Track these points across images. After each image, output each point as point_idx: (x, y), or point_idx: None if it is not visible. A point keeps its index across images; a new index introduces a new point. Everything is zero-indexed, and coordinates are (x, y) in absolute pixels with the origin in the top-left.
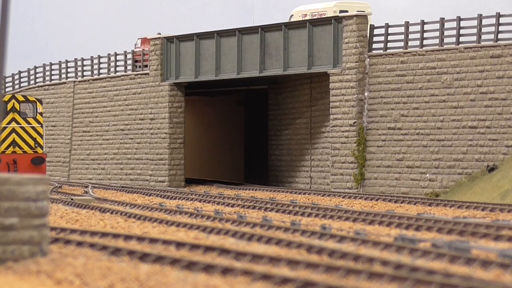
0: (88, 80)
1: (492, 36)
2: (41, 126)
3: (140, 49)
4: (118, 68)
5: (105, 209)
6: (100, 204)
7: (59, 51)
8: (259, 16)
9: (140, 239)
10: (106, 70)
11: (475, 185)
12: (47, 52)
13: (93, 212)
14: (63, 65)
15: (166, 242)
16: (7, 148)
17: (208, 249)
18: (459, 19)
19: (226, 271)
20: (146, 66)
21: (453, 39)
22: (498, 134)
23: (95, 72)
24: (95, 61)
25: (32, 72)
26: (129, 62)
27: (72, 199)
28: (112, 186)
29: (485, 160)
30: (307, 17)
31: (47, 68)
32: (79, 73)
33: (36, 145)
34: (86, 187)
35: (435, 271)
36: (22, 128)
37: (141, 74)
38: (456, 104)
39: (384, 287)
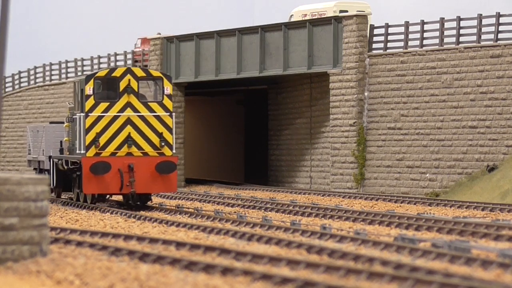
0: None
1: (492, 36)
2: (170, 115)
3: (140, 49)
4: None
5: (105, 209)
6: (100, 204)
7: (59, 51)
8: (259, 16)
9: (140, 239)
10: None
11: (475, 185)
12: (47, 52)
13: (93, 212)
14: (63, 65)
15: (166, 242)
16: (119, 147)
17: (208, 249)
18: (459, 19)
19: (226, 271)
20: (146, 66)
21: (453, 39)
22: (498, 134)
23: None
24: (95, 61)
25: (32, 72)
26: (129, 62)
27: (72, 199)
28: None
29: (485, 160)
30: (307, 17)
31: (47, 68)
32: (79, 73)
33: (163, 144)
34: None
35: (435, 271)
36: (142, 118)
37: None
38: (456, 104)
39: (384, 287)
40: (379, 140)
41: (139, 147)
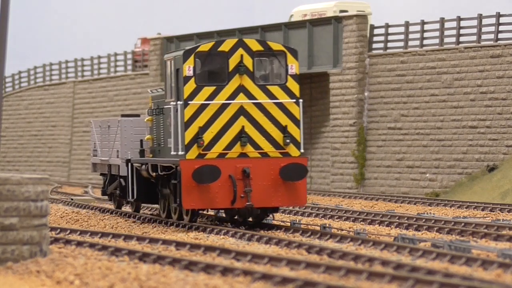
0: (88, 80)
1: (492, 36)
2: (297, 103)
3: (140, 49)
4: (118, 68)
5: (105, 209)
6: (100, 204)
7: (59, 51)
8: (259, 16)
9: (140, 239)
10: (106, 70)
11: (475, 185)
12: (47, 52)
13: (93, 212)
14: (63, 65)
15: (166, 242)
16: (229, 147)
17: (208, 249)
18: (459, 19)
19: (226, 271)
20: (146, 66)
21: (453, 39)
22: (498, 134)
23: (95, 72)
24: (95, 61)
25: (32, 72)
26: (129, 62)
27: (72, 199)
28: None
29: (485, 160)
30: (307, 17)
31: (47, 68)
32: (79, 73)
33: (288, 141)
34: (86, 187)
35: (435, 271)
36: (260, 106)
37: (141, 74)
38: (456, 104)
39: (384, 287)
40: (379, 140)
41: (256, 146)
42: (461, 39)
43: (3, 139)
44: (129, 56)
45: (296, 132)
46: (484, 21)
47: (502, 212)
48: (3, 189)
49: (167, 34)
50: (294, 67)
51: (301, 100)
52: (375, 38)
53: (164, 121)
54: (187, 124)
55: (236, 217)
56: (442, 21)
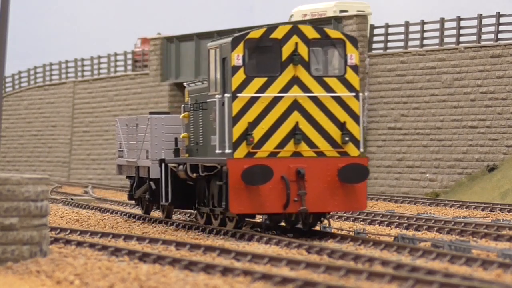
0: (88, 80)
1: (492, 36)
2: (356, 97)
3: (140, 49)
4: (118, 68)
5: (105, 209)
6: (100, 204)
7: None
8: (259, 16)
9: (140, 239)
10: (106, 70)
11: (475, 185)
12: (47, 52)
13: (93, 212)
14: (63, 65)
15: (166, 242)
16: (282, 145)
17: (208, 249)
18: (459, 19)
19: (226, 271)
20: (146, 66)
21: (453, 39)
22: (498, 134)
23: (95, 72)
24: (95, 61)
25: (32, 72)
26: (129, 62)
27: (72, 199)
28: (112, 186)
29: (485, 160)
30: (307, 17)
31: (47, 68)
32: (79, 73)
33: (346, 139)
34: (86, 187)
35: (435, 271)
36: (316, 100)
37: (141, 74)
38: (456, 104)
39: (384, 287)
40: (379, 140)
41: (311, 144)
42: (461, 39)
43: (3, 139)
44: (129, 56)
45: (356, 130)
46: (484, 21)
47: (502, 212)
48: (3, 189)
49: (167, 34)
50: (353, 57)
51: (361, 94)
52: (375, 38)
53: (204, 116)
54: (235, 119)
55: (283, 224)
56: (442, 21)
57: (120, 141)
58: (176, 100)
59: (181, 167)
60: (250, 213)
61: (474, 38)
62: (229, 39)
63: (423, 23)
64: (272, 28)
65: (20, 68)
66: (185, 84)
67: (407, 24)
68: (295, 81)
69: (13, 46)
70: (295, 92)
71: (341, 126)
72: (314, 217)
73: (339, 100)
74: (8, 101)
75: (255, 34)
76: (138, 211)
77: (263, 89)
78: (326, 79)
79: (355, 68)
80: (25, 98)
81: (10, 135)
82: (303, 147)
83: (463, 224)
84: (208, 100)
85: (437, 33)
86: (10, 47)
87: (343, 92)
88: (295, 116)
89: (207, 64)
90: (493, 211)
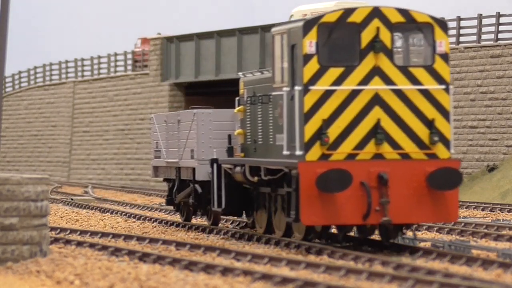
0: (88, 80)
1: (492, 36)
2: (446, 90)
3: (140, 49)
4: (118, 68)
5: (105, 209)
6: (100, 204)
7: (59, 51)
8: (259, 16)
9: (140, 239)
10: (106, 70)
11: (475, 185)
12: (47, 52)
13: (93, 212)
14: (63, 65)
15: (166, 242)
16: (361, 146)
17: (208, 249)
18: (459, 19)
19: (226, 271)
20: (146, 66)
21: (453, 39)
22: (498, 134)
23: (95, 72)
24: (95, 61)
25: (32, 72)
26: (129, 62)
27: (72, 199)
28: (112, 186)
29: (485, 160)
30: (308, 17)
31: (47, 68)
32: (79, 73)
33: (436, 138)
34: (86, 187)
35: (435, 271)
36: (400, 94)
37: (141, 74)
38: (456, 104)
39: (384, 287)
40: None
41: (395, 145)
42: (461, 39)
43: (3, 139)
44: (129, 56)
45: (446, 128)
46: (484, 21)
47: (502, 212)
48: (3, 189)
49: (167, 34)
50: (443, 44)
51: (451, 86)
52: None
53: (264, 111)
54: (307, 116)
55: (352, 234)
56: None
57: (157, 140)
58: (176, 100)
59: (238, 168)
60: (324, 224)
61: (474, 38)
62: (300, 23)
63: None
64: (349, 10)
65: (20, 68)
66: (240, 74)
67: None
68: (376, 71)
69: (13, 46)
70: (376, 85)
71: (429, 123)
72: (395, 228)
73: (426, 93)
74: (8, 101)
75: (331, 18)
76: (137, 211)
77: (339, 81)
78: (411, 69)
79: (445, 56)
80: (25, 98)
81: (10, 135)
82: (386, 148)
83: (463, 224)
84: (273, 93)
85: None
86: (10, 47)
87: (431, 85)
88: (376, 112)
89: (271, 51)
90: (493, 211)
